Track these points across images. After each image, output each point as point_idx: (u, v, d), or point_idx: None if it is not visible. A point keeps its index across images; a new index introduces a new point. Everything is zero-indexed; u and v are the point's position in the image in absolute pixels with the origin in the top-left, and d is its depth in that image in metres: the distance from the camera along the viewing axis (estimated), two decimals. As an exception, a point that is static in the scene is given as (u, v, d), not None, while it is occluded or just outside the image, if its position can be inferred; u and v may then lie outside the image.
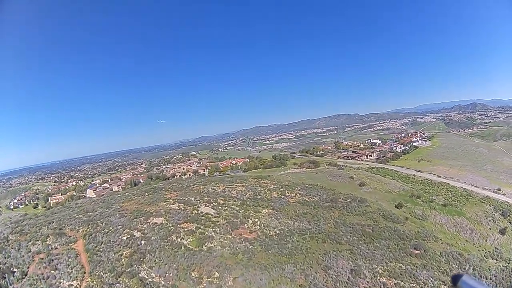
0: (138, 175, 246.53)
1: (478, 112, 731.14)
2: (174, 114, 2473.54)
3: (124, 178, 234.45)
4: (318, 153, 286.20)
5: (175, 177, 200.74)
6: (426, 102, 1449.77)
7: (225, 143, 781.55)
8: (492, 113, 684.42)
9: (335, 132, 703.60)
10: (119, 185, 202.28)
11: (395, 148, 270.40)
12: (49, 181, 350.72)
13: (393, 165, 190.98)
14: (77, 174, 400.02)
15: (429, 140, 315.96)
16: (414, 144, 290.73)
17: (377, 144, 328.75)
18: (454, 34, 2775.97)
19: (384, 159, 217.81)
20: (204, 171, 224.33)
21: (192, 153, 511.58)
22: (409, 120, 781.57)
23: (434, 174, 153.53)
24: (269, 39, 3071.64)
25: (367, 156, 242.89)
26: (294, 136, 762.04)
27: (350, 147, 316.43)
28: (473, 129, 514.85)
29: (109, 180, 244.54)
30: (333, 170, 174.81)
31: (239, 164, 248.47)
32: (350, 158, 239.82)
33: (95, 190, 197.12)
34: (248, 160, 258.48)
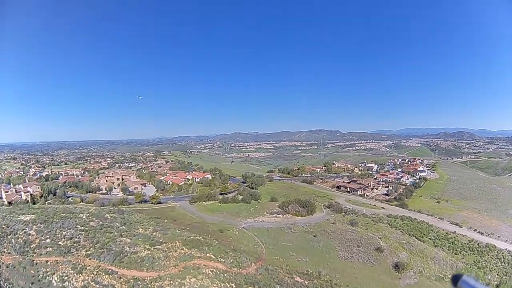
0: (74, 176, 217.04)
1: (465, 141, 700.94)
2: (156, 111, 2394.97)
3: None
4: (305, 175, 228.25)
5: (98, 191, 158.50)
6: (410, 126, 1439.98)
7: (202, 146, 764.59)
8: (481, 143, 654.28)
9: (315, 147, 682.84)
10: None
11: (402, 179, 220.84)
12: (17, 163, 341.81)
13: (415, 210, 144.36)
14: (45, 159, 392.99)
15: (433, 170, 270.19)
16: (421, 174, 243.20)
17: (374, 170, 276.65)
18: (444, 64, 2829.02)
19: (399, 197, 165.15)
20: (136, 189, 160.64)
21: (165, 152, 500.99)
22: (392, 143, 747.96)
23: (474, 230, 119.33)
24: (256, 47, 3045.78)
25: (372, 189, 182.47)
26: (273, 147, 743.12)
27: (344, 170, 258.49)
28: (462, 158, 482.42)
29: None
30: (343, 227, 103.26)
31: (196, 180, 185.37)
32: (351, 191, 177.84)
33: (7, 192, 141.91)
34: (210, 176, 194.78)
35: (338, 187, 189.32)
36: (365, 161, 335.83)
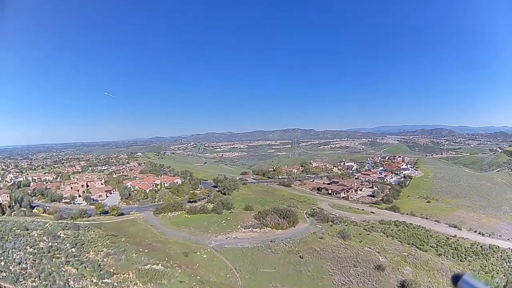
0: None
1: (444, 138, 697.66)
2: (130, 111, 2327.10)
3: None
4: (281, 177, 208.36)
5: (61, 200, 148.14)
6: (385, 124, 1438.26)
7: (176, 147, 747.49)
8: (461, 139, 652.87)
9: (290, 146, 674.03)
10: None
11: (386, 178, 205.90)
12: (4, 167, 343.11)
13: (408, 213, 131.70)
14: (24, 164, 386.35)
15: (417, 168, 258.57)
16: (405, 172, 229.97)
17: (354, 169, 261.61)
18: (420, 60, 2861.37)
19: (386, 199, 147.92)
20: (101, 197, 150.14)
21: (138, 154, 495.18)
22: (368, 140, 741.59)
23: (474, 231, 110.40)
24: (229, 46, 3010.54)
25: (356, 190, 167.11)
26: (246, 146, 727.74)
27: (322, 170, 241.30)
28: (441, 154, 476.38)
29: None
30: (333, 242, 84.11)
31: (165, 185, 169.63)
32: (333, 193, 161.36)
33: None
34: (180, 181, 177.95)
35: (318, 189, 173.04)
36: (343, 160, 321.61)
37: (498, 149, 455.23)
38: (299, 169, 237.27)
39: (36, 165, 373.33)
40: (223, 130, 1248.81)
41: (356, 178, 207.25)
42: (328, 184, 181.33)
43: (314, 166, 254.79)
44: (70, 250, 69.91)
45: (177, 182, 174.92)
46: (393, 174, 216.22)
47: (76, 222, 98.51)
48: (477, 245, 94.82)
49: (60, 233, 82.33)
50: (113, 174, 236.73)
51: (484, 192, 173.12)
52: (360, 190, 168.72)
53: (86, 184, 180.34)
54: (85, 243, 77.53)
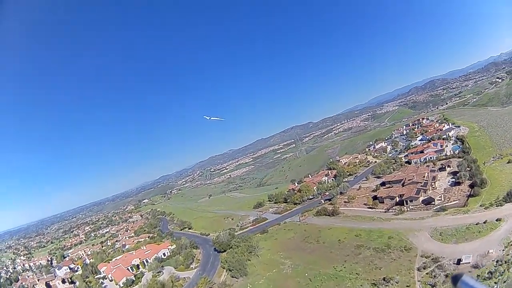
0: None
1: (440, 88, 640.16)
2: (133, 158, 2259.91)
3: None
4: (311, 197, 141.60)
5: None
6: (377, 94, 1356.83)
7: (183, 180, 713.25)
8: (457, 84, 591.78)
9: (293, 145, 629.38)
10: None
11: (446, 148, 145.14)
12: (16, 250, 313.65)
13: None
14: (33, 244, 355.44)
15: (455, 125, 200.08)
16: (450, 134, 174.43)
17: (388, 150, 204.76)
18: (393, 22, 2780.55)
19: (477, 182, 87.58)
20: None
21: (145, 200, 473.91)
22: (368, 115, 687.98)
23: None
24: (210, 64, 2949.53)
25: (432, 184, 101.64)
26: (251, 159, 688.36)
27: (356, 165, 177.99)
28: (447, 103, 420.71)
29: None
30: None
31: (147, 263, 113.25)
32: (404, 201, 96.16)
33: None
34: (168, 251, 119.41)
35: (377, 199, 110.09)
36: (371, 143, 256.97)
37: (497, 79, 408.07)
38: (328, 174, 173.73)
39: (45, 241, 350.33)
40: (224, 150, 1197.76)
41: (407, 163, 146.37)
42: (385, 186, 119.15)
43: (344, 163, 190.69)
44: None
45: (163, 255, 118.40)
46: (442, 141, 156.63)
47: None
48: None
49: None
50: (108, 241, 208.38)
51: None
52: (435, 181, 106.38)
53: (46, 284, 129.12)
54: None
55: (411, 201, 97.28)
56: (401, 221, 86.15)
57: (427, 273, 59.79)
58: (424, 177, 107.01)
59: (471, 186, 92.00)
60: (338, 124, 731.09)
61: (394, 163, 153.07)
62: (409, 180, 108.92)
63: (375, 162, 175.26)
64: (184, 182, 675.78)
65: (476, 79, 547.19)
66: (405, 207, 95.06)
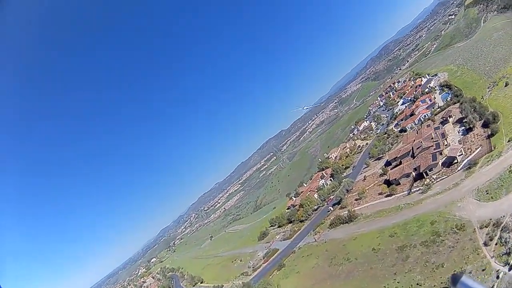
0: None
1: (396, 50, 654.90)
2: (131, 221, 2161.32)
3: None
4: (317, 206, 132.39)
5: None
6: (336, 80, 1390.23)
7: (182, 227, 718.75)
8: (410, 39, 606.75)
9: (274, 157, 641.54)
10: None
11: (435, 100, 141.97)
12: None
13: None
14: None
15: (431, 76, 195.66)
16: (432, 84, 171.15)
17: (374, 128, 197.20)
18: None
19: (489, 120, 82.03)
20: None
21: (152, 260, 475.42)
22: (335, 102, 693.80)
23: None
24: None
25: (446, 145, 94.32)
26: (239, 185, 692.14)
27: (348, 155, 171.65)
28: (408, 61, 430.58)
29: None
30: None
31: None
32: (421, 174, 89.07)
33: None
34: None
35: (388, 183, 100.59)
36: (353, 127, 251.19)
37: (450, 17, 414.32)
38: (324, 176, 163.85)
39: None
40: (210, 185, 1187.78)
41: (402, 131, 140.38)
42: (393, 165, 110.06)
43: (335, 158, 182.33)
44: None
45: None
46: (428, 95, 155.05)
47: None
48: None
49: None
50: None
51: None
52: (445, 138, 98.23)
53: None
54: None
55: (430, 170, 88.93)
56: (434, 197, 76.41)
57: (496, 244, 51.68)
58: (431, 138, 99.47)
59: (485, 125, 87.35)
60: (309, 122, 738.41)
61: (388, 137, 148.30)
62: (417, 148, 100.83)
63: (367, 144, 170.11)
64: (184, 229, 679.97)
65: (428, 26, 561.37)
66: (428, 180, 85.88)
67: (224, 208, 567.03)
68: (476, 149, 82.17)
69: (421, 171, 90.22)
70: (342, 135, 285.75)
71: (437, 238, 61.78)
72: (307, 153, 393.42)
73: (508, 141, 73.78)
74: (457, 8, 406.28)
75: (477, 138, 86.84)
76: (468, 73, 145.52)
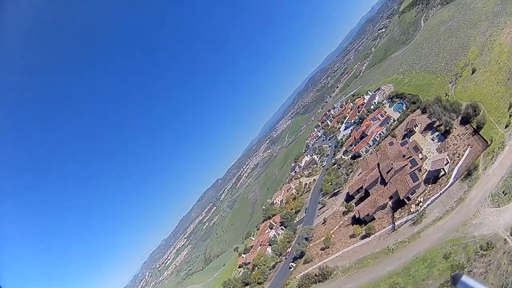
0: None
1: (323, 79, 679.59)
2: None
3: None
4: (275, 262, 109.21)
5: None
6: (265, 121, 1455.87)
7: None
8: (338, 64, 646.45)
9: (215, 208, 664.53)
10: None
11: (388, 116, 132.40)
12: None
13: None
14: None
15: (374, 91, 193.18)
16: (378, 99, 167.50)
17: (318, 161, 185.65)
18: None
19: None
20: None
21: None
22: (267, 143, 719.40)
23: None
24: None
25: (421, 160, 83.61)
26: (185, 240, 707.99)
27: (293, 198, 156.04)
28: (338, 86, 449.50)
29: None
30: None
31: None
32: (416, 217, 68.36)
33: None
34: None
35: (358, 221, 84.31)
36: (292, 164, 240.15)
37: (380, 31, 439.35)
38: (273, 225, 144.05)
39: None
40: (158, 242, 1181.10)
41: (356, 158, 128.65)
42: (357, 198, 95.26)
43: (281, 202, 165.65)
44: None
45: None
46: (376, 111, 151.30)
47: None
48: None
49: None
50: None
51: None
52: (420, 150, 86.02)
53: None
54: None
55: (412, 193, 74.30)
56: (435, 224, 62.28)
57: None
58: (403, 156, 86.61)
59: (464, 122, 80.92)
60: (243, 167, 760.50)
61: (339, 168, 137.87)
62: (387, 172, 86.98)
63: (314, 180, 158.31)
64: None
65: (356, 47, 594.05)
66: (414, 206, 71.00)
67: (175, 265, 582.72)
68: (464, 151, 73.52)
69: (401, 198, 75.40)
70: (281, 174, 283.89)
71: (461, 272, 45.90)
72: (247, 199, 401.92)
73: (506, 126, 68.00)
74: (387, 20, 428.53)
75: (460, 138, 78.89)
76: (418, 76, 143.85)
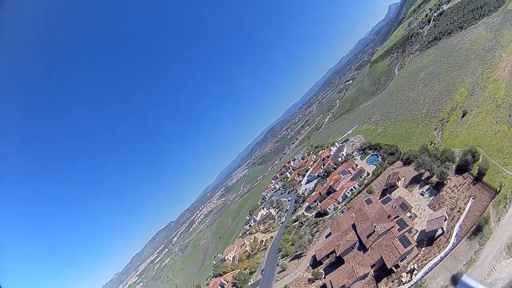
0: None
1: (283, 131, 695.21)
2: None
3: None
4: None
5: None
6: (222, 168, 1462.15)
7: None
8: (299, 116, 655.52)
9: (167, 249, 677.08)
10: None
11: (360, 170, 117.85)
12: None
13: None
14: None
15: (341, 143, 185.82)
16: (345, 152, 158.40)
17: (276, 216, 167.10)
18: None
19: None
20: None
21: None
22: (222, 191, 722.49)
23: None
24: None
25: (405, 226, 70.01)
26: (137, 277, 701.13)
27: (246, 256, 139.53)
28: (298, 138, 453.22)
29: None
30: None
31: None
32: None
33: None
34: None
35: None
36: (247, 217, 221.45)
37: (347, 83, 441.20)
38: (224, 285, 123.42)
39: None
40: (110, 276, 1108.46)
41: (321, 215, 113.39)
42: (326, 264, 79.44)
43: (233, 259, 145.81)
44: None
45: None
46: (347, 163, 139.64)
47: None
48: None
49: None
50: None
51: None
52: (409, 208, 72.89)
53: None
54: None
55: (402, 260, 59.37)
56: None
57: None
58: (388, 217, 72.35)
59: (461, 171, 73.15)
60: (197, 212, 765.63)
61: (301, 226, 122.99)
62: (367, 236, 71.96)
63: (271, 238, 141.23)
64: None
65: (320, 99, 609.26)
66: (405, 274, 57.70)
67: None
68: (466, 203, 64.44)
69: (389, 267, 60.12)
70: (234, 225, 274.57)
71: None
72: (199, 246, 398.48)
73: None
74: (356, 72, 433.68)
75: (458, 190, 70.04)
76: (395, 125, 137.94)
